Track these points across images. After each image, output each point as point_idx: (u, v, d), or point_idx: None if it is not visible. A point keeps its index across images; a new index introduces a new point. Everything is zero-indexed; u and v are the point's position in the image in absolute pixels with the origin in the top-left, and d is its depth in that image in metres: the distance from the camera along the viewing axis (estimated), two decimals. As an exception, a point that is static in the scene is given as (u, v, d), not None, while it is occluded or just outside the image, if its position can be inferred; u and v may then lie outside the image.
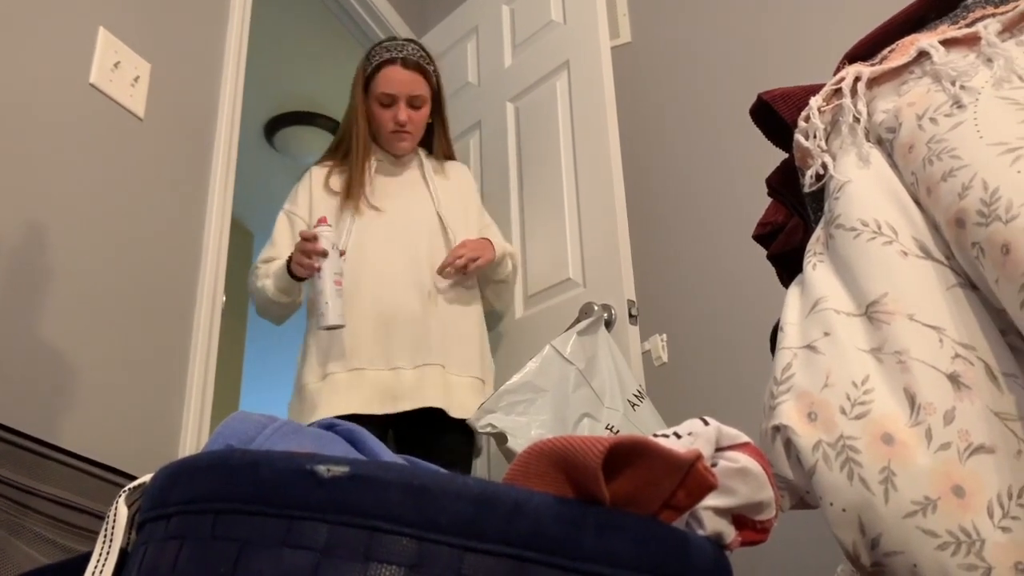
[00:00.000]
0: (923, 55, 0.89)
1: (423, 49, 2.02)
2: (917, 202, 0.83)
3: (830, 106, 0.96)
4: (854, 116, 0.91)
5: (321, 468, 0.48)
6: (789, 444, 0.77)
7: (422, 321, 1.83)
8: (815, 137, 0.95)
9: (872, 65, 0.94)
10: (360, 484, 0.47)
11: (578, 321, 1.85)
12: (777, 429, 0.78)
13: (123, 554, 0.58)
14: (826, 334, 0.80)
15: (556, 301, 2.05)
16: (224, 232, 1.92)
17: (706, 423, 0.60)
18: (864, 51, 1.00)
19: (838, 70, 0.99)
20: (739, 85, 2.23)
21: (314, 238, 1.69)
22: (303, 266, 1.71)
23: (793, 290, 0.90)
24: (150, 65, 1.82)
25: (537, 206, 2.20)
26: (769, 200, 1.19)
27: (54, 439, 1.29)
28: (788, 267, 1.13)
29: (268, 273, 1.86)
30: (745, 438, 0.61)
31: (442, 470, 0.53)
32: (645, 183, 2.33)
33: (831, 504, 0.72)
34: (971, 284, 0.78)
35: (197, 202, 1.89)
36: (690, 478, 0.50)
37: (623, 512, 0.49)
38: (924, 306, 0.76)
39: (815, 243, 0.90)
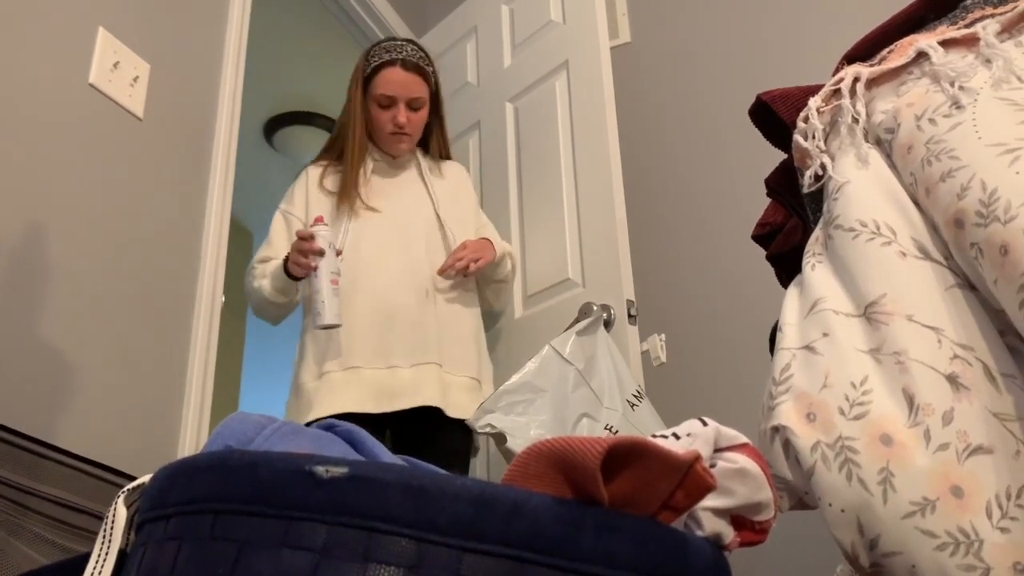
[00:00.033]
0: (922, 56, 0.89)
1: (422, 50, 2.02)
2: (916, 203, 0.83)
3: (829, 107, 0.96)
4: (853, 117, 0.91)
5: (320, 469, 0.48)
6: (788, 445, 0.77)
7: (420, 320, 1.83)
8: (814, 138, 0.95)
9: (871, 66, 0.94)
10: (359, 485, 0.47)
11: (577, 321, 1.85)
12: (776, 430, 0.78)
13: (122, 555, 0.58)
14: (825, 335, 0.80)
15: (555, 301, 2.05)
16: (223, 232, 1.92)
17: (705, 424, 0.60)
18: (863, 52, 1.01)
19: (837, 71, 0.99)
20: (738, 85, 2.23)
21: (311, 237, 1.69)
22: (300, 265, 1.71)
23: (792, 291, 0.90)
24: (149, 65, 1.82)
25: (536, 206, 2.20)
26: (768, 200, 1.19)
27: (53, 439, 1.29)
28: (787, 267, 1.13)
29: (265, 273, 1.86)
30: (744, 439, 0.61)
31: (441, 471, 0.53)
32: (644, 183, 2.33)
33: (830, 505, 0.72)
34: (970, 285, 0.78)
35: (196, 202, 1.89)
36: (689, 479, 0.50)
37: (622, 513, 0.49)
38: (923, 307, 0.76)
39: (814, 244, 0.90)
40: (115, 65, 1.72)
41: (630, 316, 1.89)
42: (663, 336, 2.16)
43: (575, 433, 1.63)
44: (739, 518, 0.59)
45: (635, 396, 1.78)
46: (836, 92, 0.95)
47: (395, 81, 1.94)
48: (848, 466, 0.72)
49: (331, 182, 1.97)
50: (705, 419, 0.61)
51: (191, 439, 1.69)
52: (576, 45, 2.22)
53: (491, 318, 2.21)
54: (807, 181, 0.95)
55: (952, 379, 0.72)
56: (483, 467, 2.12)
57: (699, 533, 0.56)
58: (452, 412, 1.78)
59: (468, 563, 0.46)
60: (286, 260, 1.77)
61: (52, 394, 1.45)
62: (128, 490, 0.60)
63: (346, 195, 1.91)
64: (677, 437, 0.59)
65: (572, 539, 0.47)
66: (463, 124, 2.53)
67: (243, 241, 4.19)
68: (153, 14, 1.87)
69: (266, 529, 0.48)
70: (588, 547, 0.47)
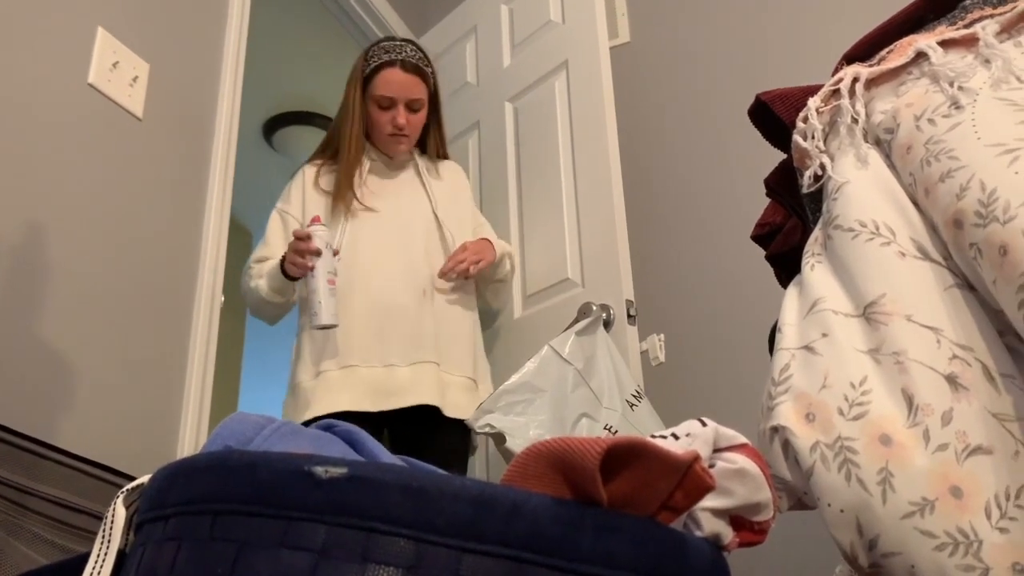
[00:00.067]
0: (921, 56, 0.89)
1: (421, 50, 2.02)
2: (915, 203, 0.83)
3: (828, 107, 0.96)
4: (852, 117, 0.92)
5: (319, 469, 0.48)
6: (787, 445, 0.77)
7: (417, 319, 1.83)
8: (813, 138, 0.95)
9: (870, 66, 0.94)
10: (358, 485, 0.47)
11: (576, 321, 1.85)
12: (775, 430, 0.78)
13: (121, 555, 0.58)
14: (824, 335, 0.80)
15: (554, 301, 2.05)
16: (223, 232, 1.92)
17: (704, 424, 0.60)
18: (862, 52, 1.01)
19: (836, 71, 0.99)
20: (738, 85, 2.23)
21: (307, 237, 1.69)
22: (296, 265, 1.71)
23: (791, 291, 0.90)
24: (149, 65, 1.82)
25: (536, 206, 2.20)
26: (767, 200, 1.19)
27: (52, 439, 1.29)
28: (786, 268, 1.13)
29: (261, 273, 1.86)
30: (743, 439, 0.61)
31: (440, 471, 0.53)
32: (644, 183, 2.33)
33: (829, 505, 0.72)
34: (969, 285, 0.78)
35: (196, 202, 1.89)
36: (688, 479, 0.50)
37: (621, 513, 0.49)
38: (922, 307, 0.76)
39: (813, 244, 0.90)
40: (114, 65, 1.72)
41: (629, 316, 1.89)
42: (662, 336, 2.16)
43: (574, 433, 1.63)
44: (738, 518, 0.59)
45: (634, 396, 1.78)
46: (835, 92, 0.95)
47: (395, 82, 1.94)
48: (847, 466, 0.72)
49: (328, 181, 1.97)
50: (704, 419, 0.61)
51: (190, 439, 1.69)
52: (575, 45, 2.22)
53: (490, 318, 2.21)
54: (806, 181, 0.95)
55: (951, 379, 0.72)
56: (482, 467, 2.12)
57: (698, 533, 0.56)
58: (449, 412, 1.78)
59: (467, 563, 0.46)
60: (283, 260, 1.77)
61: (51, 394, 1.45)
62: (127, 490, 0.60)
63: (342, 195, 1.91)
64: (676, 437, 0.59)
65: (571, 539, 0.47)
66: (462, 124, 2.53)
67: (242, 241, 4.19)
68: (152, 14, 1.87)
69: (265, 529, 0.48)
70: (587, 547, 0.47)
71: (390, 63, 1.94)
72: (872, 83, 0.93)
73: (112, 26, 1.74)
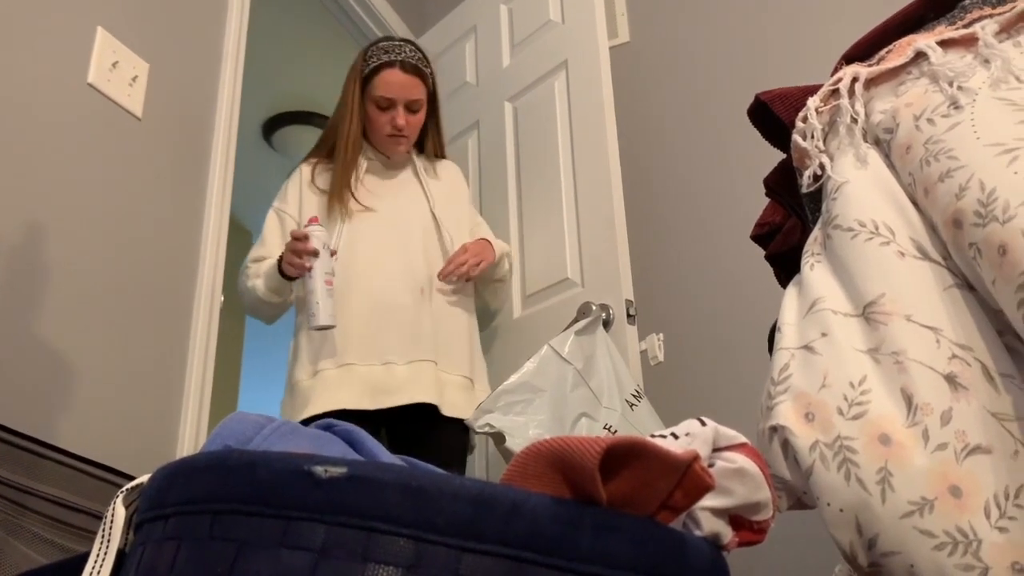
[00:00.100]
0: (920, 56, 0.89)
1: (420, 50, 2.02)
2: (914, 203, 0.83)
3: (828, 107, 0.96)
4: (852, 117, 0.92)
5: (319, 469, 0.48)
6: (786, 444, 0.77)
7: (415, 318, 1.83)
8: (813, 137, 0.95)
9: (870, 66, 0.94)
10: (358, 485, 0.48)
11: (576, 321, 1.85)
12: (774, 429, 0.78)
13: (121, 554, 0.58)
14: (824, 334, 0.80)
15: (554, 301, 2.05)
16: (222, 232, 1.92)
17: (703, 423, 0.60)
18: (862, 52, 1.01)
19: (836, 71, 0.99)
20: (737, 85, 2.23)
21: (305, 238, 1.69)
22: (294, 266, 1.71)
23: (791, 290, 0.90)
24: (148, 65, 1.82)
25: (535, 206, 2.20)
26: (767, 200, 1.19)
27: (52, 439, 1.29)
28: (786, 267, 1.13)
29: (258, 273, 1.86)
30: (742, 438, 0.61)
31: (440, 471, 0.53)
32: (643, 183, 2.33)
33: (828, 504, 0.72)
34: (968, 285, 0.78)
35: (195, 201, 1.89)
36: (687, 479, 0.50)
37: (620, 513, 0.49)
38: (921, 307, 0.76)
39: (813, 243, 0.90)
40: (114, 65, 1.72)
41: (629, 316, 1.89)
42: (661, 336, 2.16)
43: (574, 433, 1.63)
44: (737, 518, 0.59)
45: (634, 396, 1.79)
46: (835, 92, 0.95)
47: (394, 83, 1.93)
48: (847, 466, 0.72)
49: (324, 180, 1.97)
50: (704, 419, 0.61)
51: (190, 439, 1.69)
52: (575, 45, 2.22)
53: (490, 317, 2.21)
54: (806, 181, 0.95)
55: (950, 379, 0.72)
56: (482, 467, 2.12)
57: (698, 533, 0.56)
58: (447, 411, 1.78)
59: (467, 563, 0.46)
60: (280, 260, 1.77)
61: (51, 394, 1.45)
62: (127, 490, 0.60)
63: (339, 195, 1.90)
64: (676, 437, 0.59)
65: (571, 539, 0.47)
66: (462, 124, 2.53)
67: (242, 241, 4.19)
68: (152, 14, 1.87)
69: (265, 529, 0.48)
70: (586, 547, 0.47)
71: (389, 64, 1.94)
72: (871, 83, 0.93)
73: (112, 26, 1.74)
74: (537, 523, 0.47)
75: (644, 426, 1.74)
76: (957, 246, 0.76)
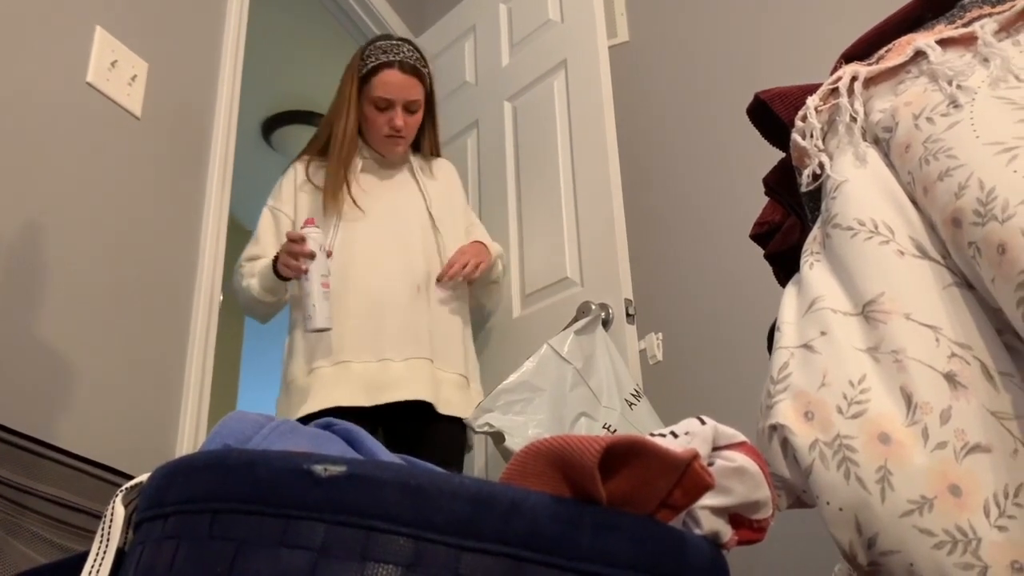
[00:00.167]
0: (920, 55, 0.89)
1: (418, 50, 2.01)
2: (914, 201, 0.83)
3: (827, 105, 0.96)
4: (851, 115, 0.92)
5: (318, 468, 0.48)
6: (786, 443, 0.77)
7: (412, 316, 1.83)
8: (812, 136, 0.95)
9: (869, 64, 0.94)
10: (357, 484, 0.47)
11: (575, 320, 1.85)
12: (774, 428, 0.78)
13: (120, 554, 0.58)
14: (823, 333, 0.80)
15: (553, 300, 2.05)
16: (221, 231, 1.92)
17: (703, 422, 0.60)
18: (861, 50, 1.01)
19: (835, 69, 0.99)
20: (737, 84, 2.23)
21: (301, 240, 1.69)
22: (290, 267, 1.71)
23: (790, 289, 0.90)
24: (147, 64, 1.81)
25: (534, 205, 2.20)
26: (766, 199, 1.19)
27: (51, 438, 1.29)
28: (785, 266, 1.13)
29: (253, 272, 1.86)
30: (742, 437, 0.61)
31: (439, 469, 0.53)
32: (642, 182, 2.33)
33: (828, 503, 0.72)
34: (967, 283, 0.78)
35: (194, 201, 1.89)
36: (687, 477, 0.50)
37: (620, 511, 0.49)
38: (921, 305, 0.76)
39: (812, 242, 0.90)
40: (113, 64, 1.72)
41: (628, 315, 1.89)
42: (660, 335, 2.16)
43: (573, 432, 1.63)
44: (737, 516, 0.59)
45: (633, 395, 1.79)
46: (834, 91, 0.95)
47: (393, 84, 1.93)
48: (846, 464, 0.72)
49: (319, 178, 1.96)
50: (703, 417, 0.61)
51: (189, 438, 1.69)
52: (574, 44, 2.22)
53: (489, 317, 2.21)
54: (805, 180, 0.95)
55: (950, 377, 0.72)
56: (481, 466, 2.12)
57: (697, 531, 0.56)
58: (443, 408, 1.78)
59: (466, 562, 0.46)
60: (275, 260, 1.77)
61: (50, 393, 1.45)
62: (126, 489, 0.60)
63: (335, 193, 1.90)
64: (675, 436, 0.59)
65: (570, 538, 0.47)
66: (461, 123, 2.53)
67: (241, 240, 4.17)
68: (151, 13, 1.87)
69: (264, 528, 0.48)
70: (586, 546, 0.47)
71: (388, 64, 1.93)
72: (871, 82, 0.93)
73: (111, 25, 1.74)
74: (536, 522, 0.47)
75: (643, 425, 1.74)
76: (956, 245, 0.76)
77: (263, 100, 3.82)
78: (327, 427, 0.69)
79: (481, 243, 2.02)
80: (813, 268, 0.87)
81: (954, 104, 0.81)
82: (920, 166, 0.81)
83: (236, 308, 2.00)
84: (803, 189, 0.96)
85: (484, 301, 2.14)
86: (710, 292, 2.12)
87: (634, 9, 2.58)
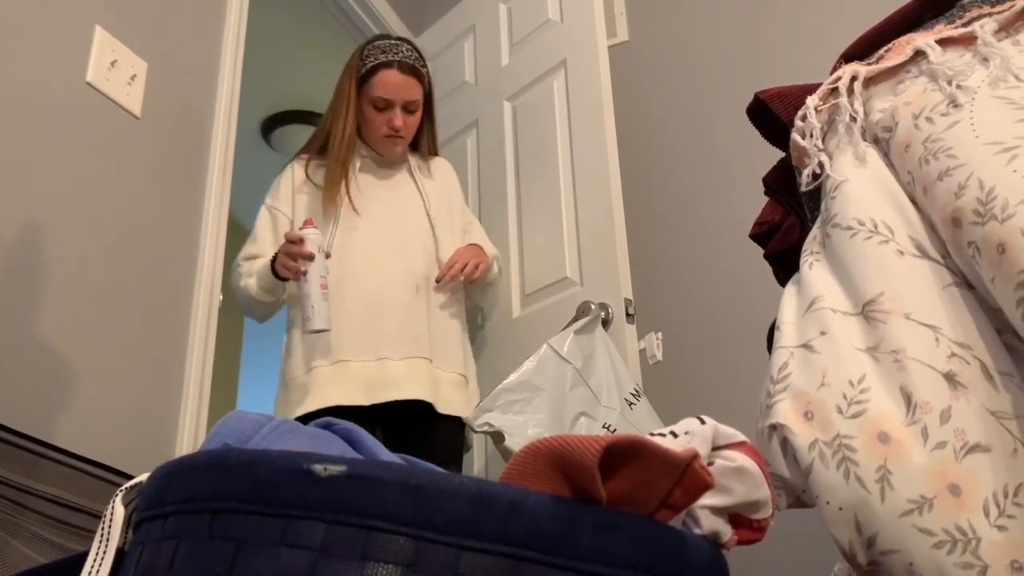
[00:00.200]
0: (919, 54, 0.89)
1: (416, 49, 2.01)
2: (913, 201, 0.83)
3: (827, 105, 0.96)
4: (851, 115, 0.92)
5: (318, 467, 0.48)
6: (786, 443, 0.77)
7: (411, 315, 1.83)
8: (811, 136, 0.95)
9: (868, 64, 0.94)
10: (357, 483, 0.47)
11: (575, 320, 1.85)
12: (774, 428, 0.78)
13: (120, 553, 0.58)
14: (823, 333, 0.80)
15: (553, 300, 2.05)
16: (221, 231, 1.92)
17: (703, 422, 0.60)
18: (860, 50, 1.01)
19: (834, 69, 0.99)
20: (736, 84, 2.23)
21: (300, 241, 1.68)
22: (289, 269, 1.70)
23: (789, 289, 0.90)
24: (147, 64, 1.81)
25: (534, 205, 2.20)
26: (766, 199, 1.19)
27: (51, 438, 1.29)
28: (785, 266, 1.13)
29: (251, 272, 1.85)
30: (742, 437, 0.61)
31: (439, 469, 0.53)
32: (642, 182, 2.33)
33: (827, 503, 0.72)
34: (967, 283, 0.78)
35: (194, 201, 1.89)
36: (687, 477, 0.50)
37: (620, 511, 0.49)
38: (920, 305, 0.76)
39: (811, 242, 0.90)
40: (112, 64, 1.72)
41: (628, 315, 1.89)
42: (660, 334, 2.16)
43: (573, 432, 1.63)
44: (737, 516, 0.59)
45: (633, 395, 1.79)
46: (834, 91, 0.95)
47: (392, 84, 1.92)
48: (846, 464, 0.72)
49: (317, 177, 1.96)
50: (703, 417, 0.61)
51: (189, 438, 1.69)
52: (574, 44, 2.22)
53: (489, 317, 2.21)
54: (805, 180, 0.95)
55: (950, 377, 0.72)
56: (481, 466, 2.12)
57: (697, 531, 0.56)
58: (442, 408, 1.78)
59: (466, 561, 0.46)
60: (273, 260, 1.77)
61: (50, 393, 1.45)
62: (126, 489, 0.60)
63: (334, 193, 1.89)
64: (675, 435, 0.59)
65: (570, 537, 0.47)
66: (461, 123, 2.53)
67: (240, 240, 4.17)
68: (150, 13, 1.87)
69: (264, 528, 0.48)
70: (586, 545, 0.47)
71: (387, 64, 1.93)
72: (870, 81, 0.93)
73: (110, 25, 1.74)
74: (536, 521, 0.47)
75: (643, 425, 1.74)
76: (956, 244, 0.76)
77: (263, 100, 3.82)
78: (327, 427, 0.69)
79: (478, 246, 2.01)
80: (813, 268, 0.87)
81: (954, 104, 0.81)
82: (920, 166, 0.81)
83: (236, 308, 2.00)
84: (803, 189, 0.96)
85: (478, 300, 2.14)
86: (710, 292, 2.12)
87: (634, 9, 2.58)
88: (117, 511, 0.59)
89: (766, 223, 1.20)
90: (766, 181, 1.11)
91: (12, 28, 1.54)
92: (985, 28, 0.85)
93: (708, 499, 0.56)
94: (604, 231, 1.98)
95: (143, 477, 0.59)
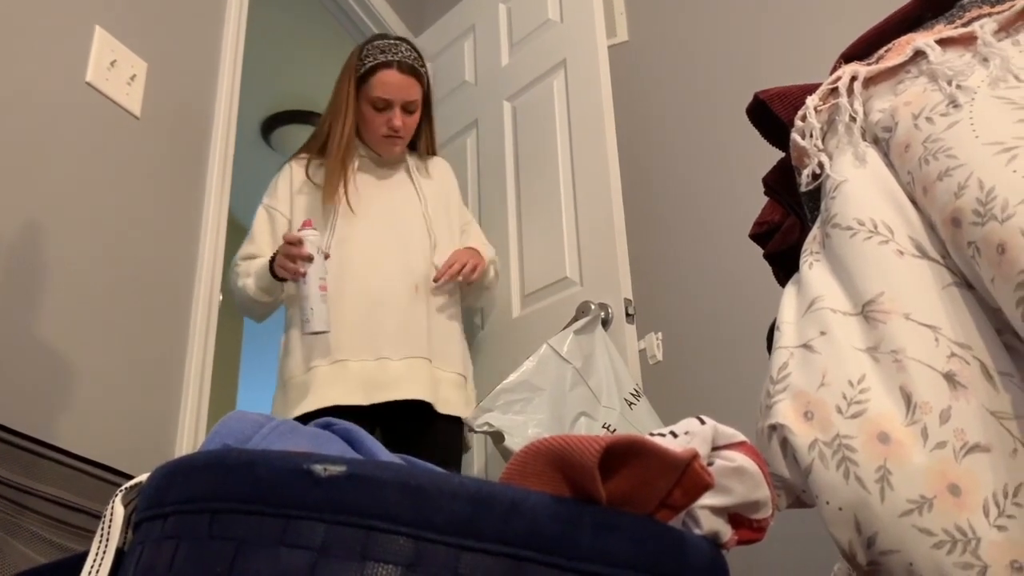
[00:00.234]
0: (919, 54, 0.89)
1: (415, 49, 2.01)
2: (913, 201, 0.83)
3: (826, 105, 0.96)
4: (850, 115, 0.92)
5: (318, 467, 0.48)
6: (785, 443, 0.77)
7: (410, 315, 1.83)
8: (811, 136, 0.95)
9: (868, 64, 0.94)
10: (357, 483, 0.47)
11: (575, 320, 1.85)
12: (773, 428, 0.78)
13: (119, 553, 0.58)
14: (822, 333, 0.80)
15: (553, 300, 2.05)
16: (221, 231, 1.92)
17: (702, 422, 0.60)
18: (860, 50, 1.01)
19: (834, 69, 0.99)
20: (736, 84, 2.23)
21: (299, 242, 1.68)
22: (287, 270, 1.70)
23: (789, 289, 0.90)
24: (146, 64, 1.81)
25: (534, 205, 2.20)
26: (766, 199, 1.19)
27: (51, 438, 1.29)
28: (785, 266, 1.13)
29: (249, 272, 1.85)
30: (741, 437, 0.61)
31: (439, 469, 0.53)
32: (642, 182, 2.33)
33: (827, 503, 0.72)
34: (967, 283, 0.78)
35: (194, 200, 1.89)
36: (686, 477, 0.50)
37: (620, 511, 0.49)
38: (920, 305, 0.76)
39: (811, 242, 0.90)
40: (112, 64, 1.72)
41: (627, 315, 1.89)
42: (660, 335, 2.16)
43: (573, 432, 1.63)
44: (737, 516, 0.59)
45: (633, 395, 1.79)
46: (834, 91, 0.95)
47: (392, 84, 1.92)
48: (846, 464, 0.72)
49: (318, 178, 1.96)
50: (703, 417, 0.61)
51: (188, 438, 1.69)
52: (574, 44, 2.22)
53: (488, 317, 2.21)
54: (805, 180, 0.95)
55: (949, 377, 0.72)
56: (481, 466, 2.12)
57: (697, 531, 0.56)
58: (441, 408, 1.78)
59: (466, 561, 0.46)
60: (272, 260, 1.76)
61: (49, 393, 1.45)
62: (125, 489, 0.60)
63: (333, 193, 1.89)
64: (675, 435, 0.59)
65: (570, 537, 0.47)
66: (460, 123, 2.53)
67: (240, 240, 4.18)
68: (150, 13, 1.87)
69: (264, 528, 0.48)
70: (586, 545, 0.47)
71: (387, 64, 1.92)
72: (870, 81, 0.93)
73: (110, 25, 1.74)
74: (536, 522, 0.47)
75: (643, 425, 1.74)
76: (956, 245, 0.76)
77: (263, 100, 3.82)
78: (327, 427, 0.69)
79: (474, 249, 2.01)
80: (812, 268, 0.87)
81: (953, 104, 0.81)
82: (920, 166, 0.81)
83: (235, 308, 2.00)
84: (802, 189, 0.96)
85: (474, 305, 2.15)
86: (710, 292, 2.12)
87: (633, 9, 2.58)
88: (117, 511, 0.59)
89: (766, 223, 1.20)
90: (766, 181, 1.11)
91: (12, 28, 1.54)
92: (985, 28, 0.85)
93: (708, 499, 0.56)
94: (604, 231, 1.98)
95: (143, 477, 0.59)
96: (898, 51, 0.92)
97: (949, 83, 0.83)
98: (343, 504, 0.47)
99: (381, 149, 2.00)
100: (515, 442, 1.60)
